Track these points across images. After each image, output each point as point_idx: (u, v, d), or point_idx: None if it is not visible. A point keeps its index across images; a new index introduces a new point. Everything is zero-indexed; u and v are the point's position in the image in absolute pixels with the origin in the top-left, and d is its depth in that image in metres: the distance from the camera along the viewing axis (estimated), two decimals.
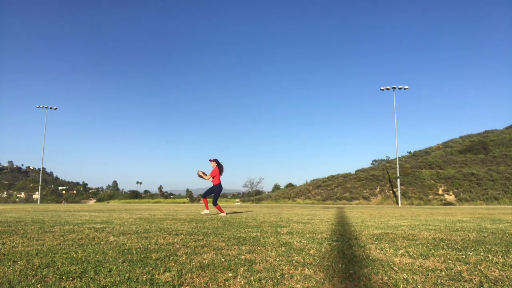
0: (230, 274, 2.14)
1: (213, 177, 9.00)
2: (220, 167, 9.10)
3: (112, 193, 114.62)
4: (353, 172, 50.84)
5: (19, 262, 2.44)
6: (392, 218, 7.88)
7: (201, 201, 66.14)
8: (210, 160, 9.17)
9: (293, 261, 2.56)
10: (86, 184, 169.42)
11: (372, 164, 58.79)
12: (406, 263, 2.49)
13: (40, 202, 48.06)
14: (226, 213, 9.75)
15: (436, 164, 44.80)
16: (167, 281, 1.98)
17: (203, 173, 9.25)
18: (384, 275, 2.16)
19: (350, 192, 42.18)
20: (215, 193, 9.12)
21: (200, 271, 2.23)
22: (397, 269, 2.30)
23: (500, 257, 2.75)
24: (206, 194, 9.36)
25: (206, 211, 9.30)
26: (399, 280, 2.03)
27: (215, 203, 8.99)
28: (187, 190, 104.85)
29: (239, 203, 46.36)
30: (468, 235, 4.27)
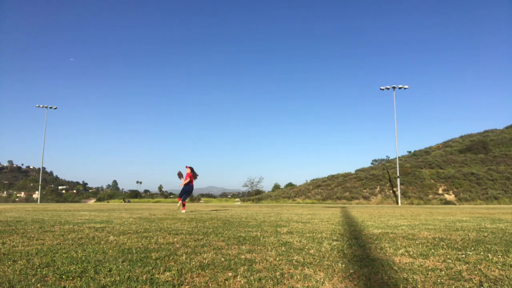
0: (230, 274, 2.14)
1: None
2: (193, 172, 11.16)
3: (112, 192, 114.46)
4: (353, 171, 50.82)
5: (19, 262, 2.44)
6: (392, 218, 7.88)
7: (201, 201, 66.33)
8: (186, 167, 11.16)
9: (293, 260, 2.57)
10: (86, 184, 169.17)
11: (372, 163, 58.68)
12: (406, 263, 2.49)
13: (40, 202, 48.07)
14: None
15: (436, 163, 44.79)
16: (167, 281, 1.98)
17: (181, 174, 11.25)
18: (384, 274, 2.16)
19: (350, 191, 42.17)
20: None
21: (200, 270, 2.23)
22: (397, 269, 2.30)
23: (500, 256, 2.76)
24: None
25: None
26: (399, 280, 2.03)
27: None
28: None
29: (239, 203, 46.37)
30: (468, 235, 4.28)
